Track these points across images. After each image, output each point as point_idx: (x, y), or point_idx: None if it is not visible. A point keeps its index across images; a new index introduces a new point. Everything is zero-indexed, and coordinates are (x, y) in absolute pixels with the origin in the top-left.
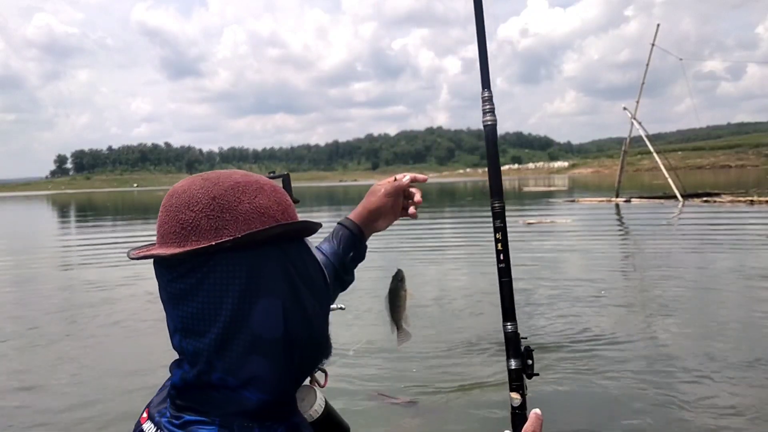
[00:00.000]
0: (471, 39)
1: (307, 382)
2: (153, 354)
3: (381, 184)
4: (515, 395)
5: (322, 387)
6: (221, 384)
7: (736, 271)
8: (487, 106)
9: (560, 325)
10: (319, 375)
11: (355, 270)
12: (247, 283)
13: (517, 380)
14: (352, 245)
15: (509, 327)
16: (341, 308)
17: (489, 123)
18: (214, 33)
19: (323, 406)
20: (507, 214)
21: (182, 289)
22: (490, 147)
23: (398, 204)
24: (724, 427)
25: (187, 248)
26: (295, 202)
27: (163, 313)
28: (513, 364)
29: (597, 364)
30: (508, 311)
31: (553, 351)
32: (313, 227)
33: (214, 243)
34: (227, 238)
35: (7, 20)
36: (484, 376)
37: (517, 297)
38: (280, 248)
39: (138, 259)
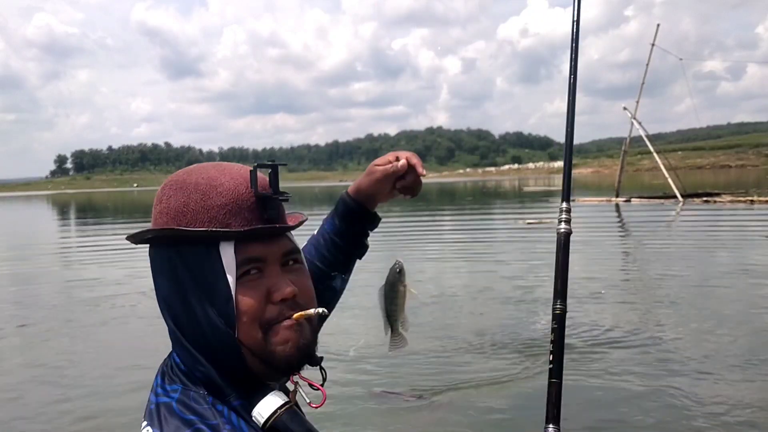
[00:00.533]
0: (471, 39)
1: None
2: (147, 348)
3: (378, 164)
4: None
5: (313, 407)
6: (177, 360)
7: (737, 271)
8: (564, 216)
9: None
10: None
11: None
12: (153, 273)
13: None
14: (355, 220)
15: (554, 383)
16: (322, 313)
17: (562, 230)
18: (214, 33)
19: (269, 414)
20: (507, 214)
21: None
22: (561, 252)
23: (390, 184)
24: (729, 423)
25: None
26: (282, 194)
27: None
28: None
29: (597, 363)
30: (553, 414)
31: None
32: (185, 234)
33: (129, 234)
34: (137, 231)
35: (7, 20)
36: (487, 373)
37: (516, 296)
38: (176, 250)
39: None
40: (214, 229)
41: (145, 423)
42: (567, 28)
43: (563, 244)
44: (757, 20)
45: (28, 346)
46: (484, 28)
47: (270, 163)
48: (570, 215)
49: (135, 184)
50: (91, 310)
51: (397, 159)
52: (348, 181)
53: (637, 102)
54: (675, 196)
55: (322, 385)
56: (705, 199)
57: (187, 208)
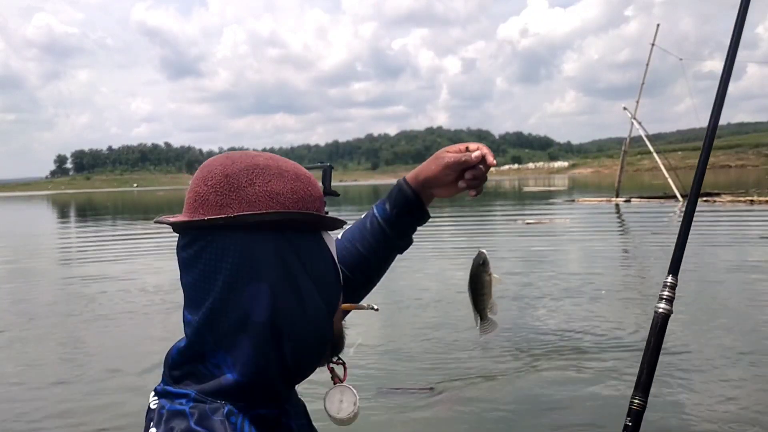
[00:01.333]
0: (471, 39)
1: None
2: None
3: (450, 150)
4: None
5: (342, 382)
6: (209, 359)
7: (737, 270)
8: (666, 293)
9: (561, 325)
10: (339, 369)
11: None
12: (239, 262)
13: None
14: (407, 210)
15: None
16: (374, 309)
17: (661, 311)
18: (214, 33)
19: (356, 401)
20: (507, 214)
21: (185, 258)
22: (654, 336)
23: (456, 177)
24: (729, 421)
25: (181, 218)
26: (335, 195)
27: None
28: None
29: (597, 362)
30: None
31: (552, 349)
32: (322, 221)
33: (206, 218)
34: (222, 216)
35: (7, 20)
36: (495, 367)
37: (516, 295)
38: (283, 236)
39: (158, 223)
40: (330, 216)
41: (153, 430)
42: (567, 28)
43: (659, 327)
44: (757, 20)
45: (29, 337)
46: (484, 28)
47: (319, 164)
48: (674, 294)
49: (135, 184)
50: (91, 307)
51: (468, 150)
52: (348, 181)
53: (637, 102)
54: (675, 196)
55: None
56: (705, 199)
57: (296, 194)
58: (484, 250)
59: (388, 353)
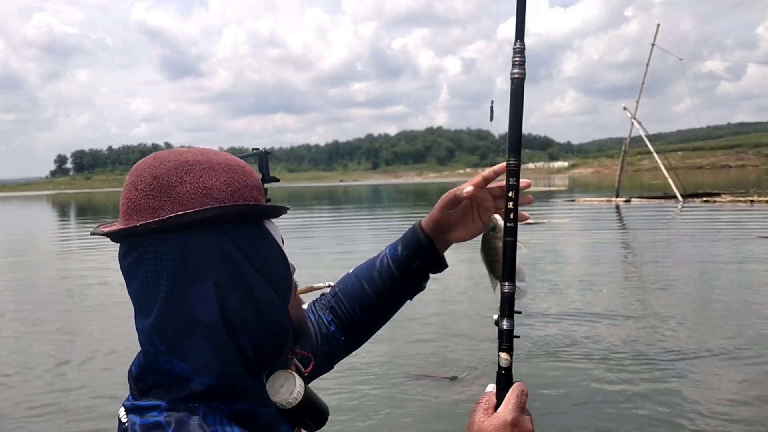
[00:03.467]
0: (471, 39)
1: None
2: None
3: (452, 191)
4: (505, 356)
5: (305, 374)
6: (168, 367)
7: (737, 271)
8: (518, 59)
9: (561, 324)
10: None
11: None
12: (181, 264)
13: (507, 341)
14: (418, 255)
15: (507, 287)
16: (329, 285)
17: (516, 77)
18: (214, 33)
19: (302, 393)
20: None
21: (127, 267)
22: (515, 101)
23: (468, 215)
24: (726, 420)
25: (115, 227)
26: (274, 181)
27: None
28: (506, 324)
29: (596, 362)
30: (509, 271)
31: (552, 350)
32: (262, 210)
33: (138, 224)
34: (154, 219)
35: (7, 20)
36: (518, 362)
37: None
38: (222, 230)
39: (95, 235)
40: (281, 204)
41: None
42: (567, 29)
43: (518, 90)
44: (757, 20)
45: (25, 340)
46: (484, 28)
47: (252, 152)
48: (524, 57)
49: None
50: (90, 306)
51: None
52: (348, 181)
53: (637, 102)
54: (675, 197)
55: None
56: (705, 199)
57: (229, 186)
58: (495, 216)
59: (416, 342)
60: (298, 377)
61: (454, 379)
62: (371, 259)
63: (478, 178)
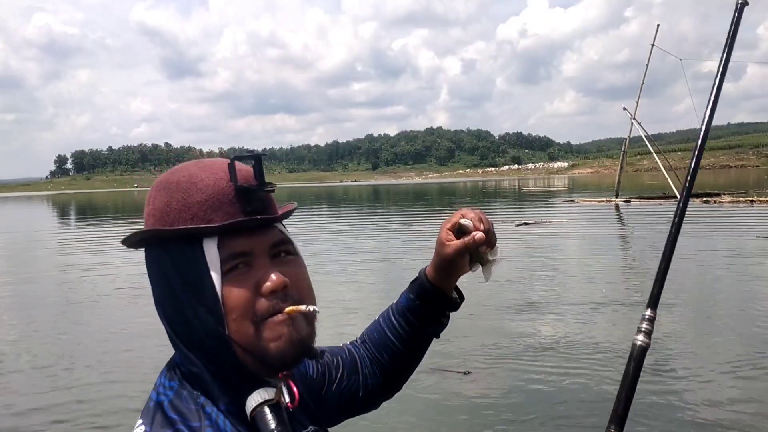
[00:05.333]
0: (471, 39)
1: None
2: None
3: (448, 240)
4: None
5: (288, 407)
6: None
7: (737, 271)
8: (645, 326)
9: (562, 325)
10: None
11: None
12: (148, 275)
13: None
14: (427, 301)
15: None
16: (312, 311)
17: (639, 344)
18: (214, 33)
19: (251, 409)
20: (506, 214)
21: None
22: (633, 367)
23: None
24: (725, 425)
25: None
26: (269, 185)
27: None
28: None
29: (596, 363)
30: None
31: (552, 351)
32: (164, 234)
33: (123, 239)
34: (127, 235)
35: (7, 20)
36: (531, 359)
37: (515, 296)
38: (163, 249)
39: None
40: (191, 226)
41: (140, 421)
42: (567, 29)
43: (636, 358)
44: (757, 20)
45: (29, 331)
46: (484, 29)
47: (250, 153)
48: (652, 327)
49: (135, 185)
50: (91, 306)
51: (463, 229)
52: (348, 181)
53: (637, 102)
54: (675, 197)
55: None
56: (705, 199)
57: (169, 207)
58: (464, 220)
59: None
60: (262, 393)
61: (468, 373)
62: (391, 305)
63: (460, 246)
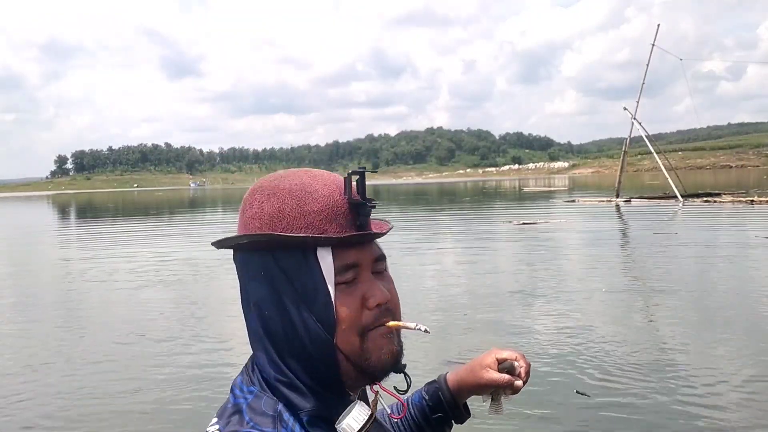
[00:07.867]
0: (471, 39)
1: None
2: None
3: (491, 367)
4: None
5: (393, 418)
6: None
7: (737, 271)
8: None
9: (561, 325)
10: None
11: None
12: (241, 278)
13: None
14: (440, 407)
15: None
16: (423, 330)
17: None
18: (214, 33)
19: (359, 426)
20: (506, 215)
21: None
22: None
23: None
24: (727, 428)
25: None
26: (362, 202)
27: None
28: None
29: (597, 364)
30: None
31: (553, 351)
32: (301, 241)
33: (216, 240)
34: (219, 240)
35: (7, 20)
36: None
37: (514, 296)
38: (271, 254)
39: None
40: (314, 235)
41: (214, 420)
42: (567, 29)
43: None
44: (757, 20)
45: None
46: (484, 29)
47: (360, 170)
48: None
49: (135, 185)
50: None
51: (509, 370)
52: None
53: (637, 102)
54: (675, 197)
55: (405, 392)
56: (705, 199)
57: (282, 213)
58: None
59: (458, 331)
60: (363, 409)
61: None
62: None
63: (498, 380)
